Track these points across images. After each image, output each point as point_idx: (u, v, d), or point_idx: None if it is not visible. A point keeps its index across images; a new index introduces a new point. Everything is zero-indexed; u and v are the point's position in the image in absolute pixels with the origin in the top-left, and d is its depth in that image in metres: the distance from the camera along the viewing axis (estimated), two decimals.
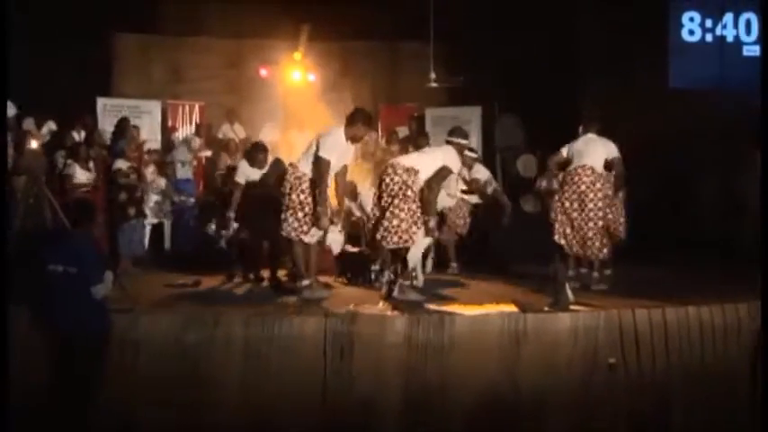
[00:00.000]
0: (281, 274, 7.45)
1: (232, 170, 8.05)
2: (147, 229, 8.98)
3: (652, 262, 7.99)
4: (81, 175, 8.77)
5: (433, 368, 5.59)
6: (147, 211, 8.93)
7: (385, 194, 6.52)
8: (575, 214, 6.96)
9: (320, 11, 10.91)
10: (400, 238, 6.42)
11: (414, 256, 6.67)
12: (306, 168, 6.48)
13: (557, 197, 7.11)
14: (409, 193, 6.46)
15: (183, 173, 10.52)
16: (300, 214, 6.45)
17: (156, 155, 9.86)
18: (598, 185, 6.94)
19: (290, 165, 6.70)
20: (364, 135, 6.72)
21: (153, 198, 9.14)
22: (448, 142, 6.90)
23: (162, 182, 9.36)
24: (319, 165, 6.37)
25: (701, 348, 5.74)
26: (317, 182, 6.37)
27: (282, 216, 6.51)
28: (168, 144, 11.20)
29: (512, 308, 6.12)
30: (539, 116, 10.10)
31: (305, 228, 6.48)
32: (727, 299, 6.01)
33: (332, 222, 6.68)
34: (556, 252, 7.04)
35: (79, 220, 5.22)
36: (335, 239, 7.03)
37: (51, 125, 9.89)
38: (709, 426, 5.79)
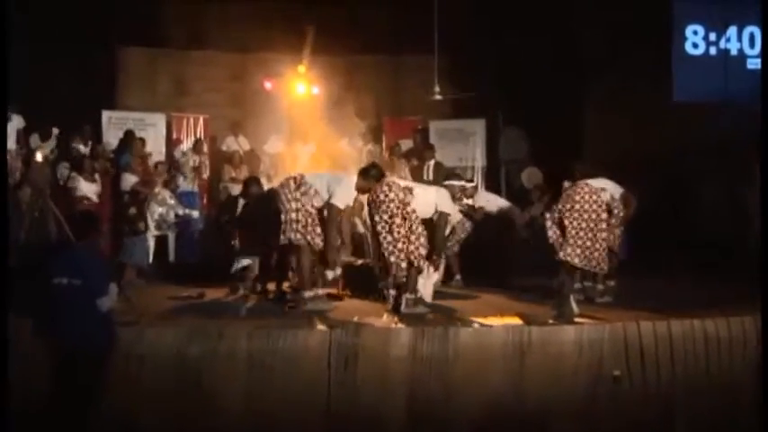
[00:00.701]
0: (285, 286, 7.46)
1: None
2: (152, 242, 8.99)
3: (656, 274, 7.99)
4: (85, 188, 8.82)
5: (437, 380, 5.58)
6: (151, 224, 8.95)
7: (383, 213, 6.52)
8: (575, 231, 6.84)
9: (325, 24, 10.97)
10: (403, 253, 6.46)
11: (422, 287, 6.75)
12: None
13: (554, 215, 6.98)
14: (409, 209, 6.54)
15: (186, 186, 10.57)
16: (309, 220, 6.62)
17: (163, 167, 9.89)
18: (600, 200, 6.90)
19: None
20: (371, 189, 6.76)
21: (157, 210, 9.16)
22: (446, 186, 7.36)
23: (166, 194, 9.38)
24: (331, 210, 6.64)
25: (706, 361, 5.72)
26: (328, 226, 6.64)
27: (294, 226, 6.59)
28: (172, 157, 11.25)
29: (516, 320, 6.12)
30: (543, 129, 10.13)
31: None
32: (732, 312, 5.99)
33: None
34: (560, 265, 7.01)
35: (83, 233, 5.22)
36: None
37: (55, 131, 9.92)
38: None
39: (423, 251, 6.54)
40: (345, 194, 6.70)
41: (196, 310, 6.74)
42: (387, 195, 6.53)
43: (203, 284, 7.63)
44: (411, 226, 6.52)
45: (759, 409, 5.51)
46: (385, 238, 6.49)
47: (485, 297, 7.43)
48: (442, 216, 6.86)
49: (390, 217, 6.48)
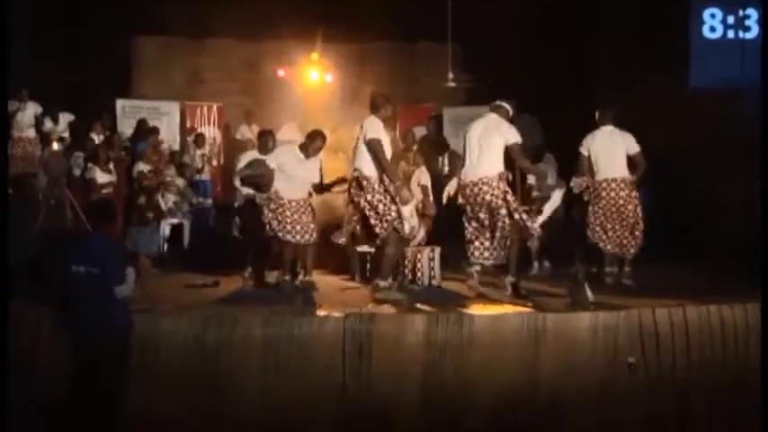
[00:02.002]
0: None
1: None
2: (167, 230, 9.03)
3: (673, 261, 7.93)
4: (101, 177, 8.85)
5: (451, 367, 5.58)
6: (166, 212, 8.99)
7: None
8: (611, 224, 7.09)
9: (337, 12, 10.93)
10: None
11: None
12: (369, 171, 6.34)
13: (591, 207, 7.20)
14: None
15: (195, 174, 10.61)
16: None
17: (176, 156, 9.93)
18: (633, 194, 7.11)
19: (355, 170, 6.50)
20: (391, 115, 6.64)
21: (171, 199, 9.20)
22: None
23: (180, 183, 9.42)
24: (374, 145, 6.24)
25: (723, 348, 5.69)
26: (381, 159, 6.24)
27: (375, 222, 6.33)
28: (185, 146, 11.29)
29: (530, 307, 6.10)
30: (557, 116, 10.05)
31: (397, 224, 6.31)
32: (748, 298, 5.95)
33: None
34: (575, 252, 7.02)
35: (99, 221, 5.26)
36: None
37: (68, 117, 9.97)
38: (730, 425, 5.73)
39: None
40: (379, 131, 6.34)
41: (212, 298, 6.77)
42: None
43: (218, 273, 7.66)
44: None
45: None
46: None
47: (501, 283, 7.36)
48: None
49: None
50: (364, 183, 6.33)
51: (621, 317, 5.78)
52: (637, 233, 7.13)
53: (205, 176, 10.79)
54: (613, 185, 7.11)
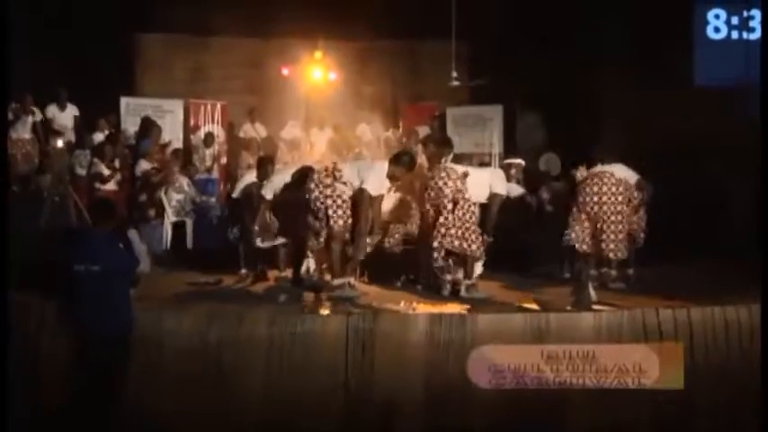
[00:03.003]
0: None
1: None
2: (170, 228, 9.02)
3: (676, 262, 7.91)
4: (106, 173, 8.86)
5: (454, 366, 5.57)
6: (170, 210, 8.98)
7: (443, 198, 6.62)
8: (595, 217, 7.04)
9: (341, 10, 10.93)
10: (456, 239, 6.56)
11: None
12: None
13: (577, 200, 7.14)
14: (467, 195, 6.65)
15: (204, 173, 10.60)
16: None
17: (180, 155, 9.92)
18: (620, 189, 7.05)
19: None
20: (402, 177, 6.74)
21: (175, 197, 9.19)
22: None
23: (184, 181, 9.41)
24: (362, 197, 6.49)
25: (727, 348, 5.67)
26: (359, 213, 6.50)
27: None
28: (189, 144, 11.29)
29: (534, 307, 6.09)
30: (560, 115, 10.05)
31: None
32: (752, 299, 5.93)
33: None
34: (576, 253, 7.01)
35: (101, 220, 5.25)
36: None
37: (74, 110, 10.00)
38: (734, 426, 5.71)
39: (477, 237, 6.63)
40: (377, 182, 6.54)
41: (215, 296, 6.76)
42: (446, 183, 6.63)
43: (221, 271, 7.66)
44: (465, 214, 6.59)
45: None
46: (442, 224, 6.58)
47: (502, 283, 7.36)
48: (496, 198, 6.91)
49: (448, 202, 6.58)
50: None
51: (625, 317, 5.76)
52: (624, 241, 7.10)
53: (212, 175, 10.79)
54: (602, 176, 7.10)
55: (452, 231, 6.58)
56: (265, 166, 7.72)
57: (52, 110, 9.89)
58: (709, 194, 9.30)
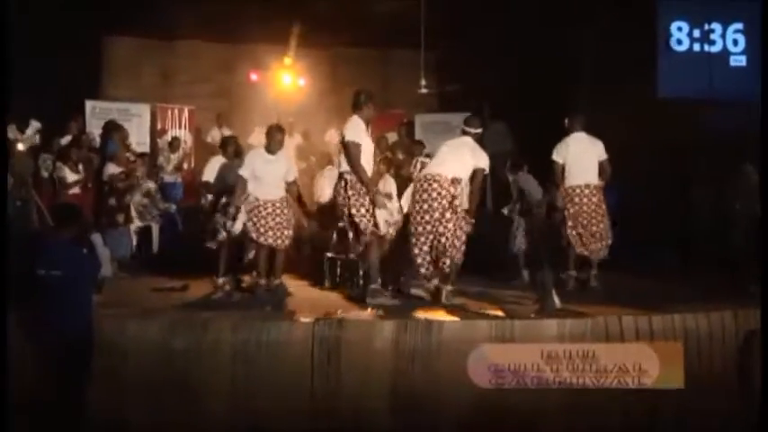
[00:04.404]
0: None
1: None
2: (134, 233, 8.92)
3: (639, 270, 8.03)
4: (70, 177, 8.74)
5: (420, 373, 5.59)
6: (134, 215, 8.88)
7: (436, 206, 6.43)
8: (583, 229, 7.24)
9: (311, 17, 10.93)
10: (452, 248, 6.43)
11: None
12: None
13: (566, 213, 7.31)
14: (456, 202, 6.49)
15: (170, 177, 10.52)
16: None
17: (145, 159, 9.82)
18: (602, 199, 7.28)
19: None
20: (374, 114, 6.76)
21: (141, 201, 9.09)
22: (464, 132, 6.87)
23: (150, 185, 9.31)
24: (350, 149, 6.40)
25: (686, 356, 5.75)
26: (355, 164, 6.40)
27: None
28: (156, 148, 11.20)
29: (498, 314, 6.13)
30: (528, 123, 10.14)
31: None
32: (712, 307, 6.04)
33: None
34: (540, 259, 7.10)
35: (63, 224, 5.19)
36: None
37: (35, 124, 9.80)
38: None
39: (462, 245, 6.49)
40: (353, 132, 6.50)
41: (180, 302, 6.69)
42: (439, 192, 6.43)
43: (187, 276, 7.60)
44: (458, 221, 6.45)
45: (741, 406, 5.58)
46: (430, 231, 6.41)
47: (467, 290, 7.39)
48: (479, 172, 6.63)
49: (441, 213, 6.39)
50: (349, 187, 6.41)
51: (588, 324, 5.82)
52: (606, 236, 7.29)
53: (176, 179, 10.70)
54: (586, 191, 7.25)
55: (443, 240, 6.38)
56: (231, 144, 7.60)
57: (11, 134, 9.66)
58: (672, 204, 9.46)
